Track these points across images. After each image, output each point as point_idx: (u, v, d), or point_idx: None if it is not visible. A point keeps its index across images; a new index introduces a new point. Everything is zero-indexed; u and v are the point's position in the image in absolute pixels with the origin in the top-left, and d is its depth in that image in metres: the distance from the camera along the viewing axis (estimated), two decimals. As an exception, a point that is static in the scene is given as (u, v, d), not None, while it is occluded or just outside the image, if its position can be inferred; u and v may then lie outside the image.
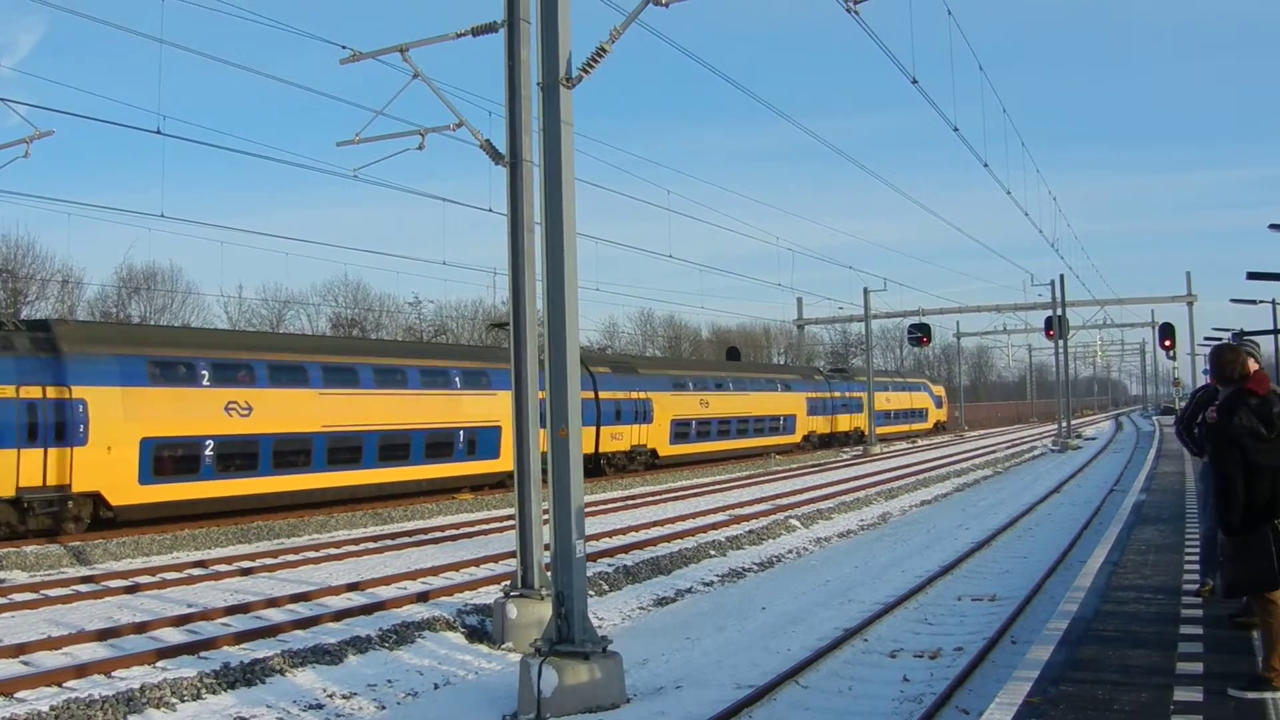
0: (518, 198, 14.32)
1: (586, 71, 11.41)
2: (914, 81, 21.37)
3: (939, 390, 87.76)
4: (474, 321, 76.69)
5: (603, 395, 40.57)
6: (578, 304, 11.63)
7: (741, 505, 31.03)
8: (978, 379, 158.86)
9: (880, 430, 65.65)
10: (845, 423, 65.67)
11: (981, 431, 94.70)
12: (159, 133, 20.99)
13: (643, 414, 43.19)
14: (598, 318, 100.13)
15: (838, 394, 64.90)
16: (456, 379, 34.03)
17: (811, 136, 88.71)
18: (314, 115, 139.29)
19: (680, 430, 46.34)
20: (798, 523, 26.46)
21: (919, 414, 79.05)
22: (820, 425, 61.85)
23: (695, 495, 35.01)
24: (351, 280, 73.38)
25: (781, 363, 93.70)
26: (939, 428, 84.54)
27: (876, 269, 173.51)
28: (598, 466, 40.71)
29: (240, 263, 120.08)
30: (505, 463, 33.78)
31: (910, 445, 69.79)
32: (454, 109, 16.68)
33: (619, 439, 42.09)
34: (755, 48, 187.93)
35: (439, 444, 32.98)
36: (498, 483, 35.39)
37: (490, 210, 23.54)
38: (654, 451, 44.54)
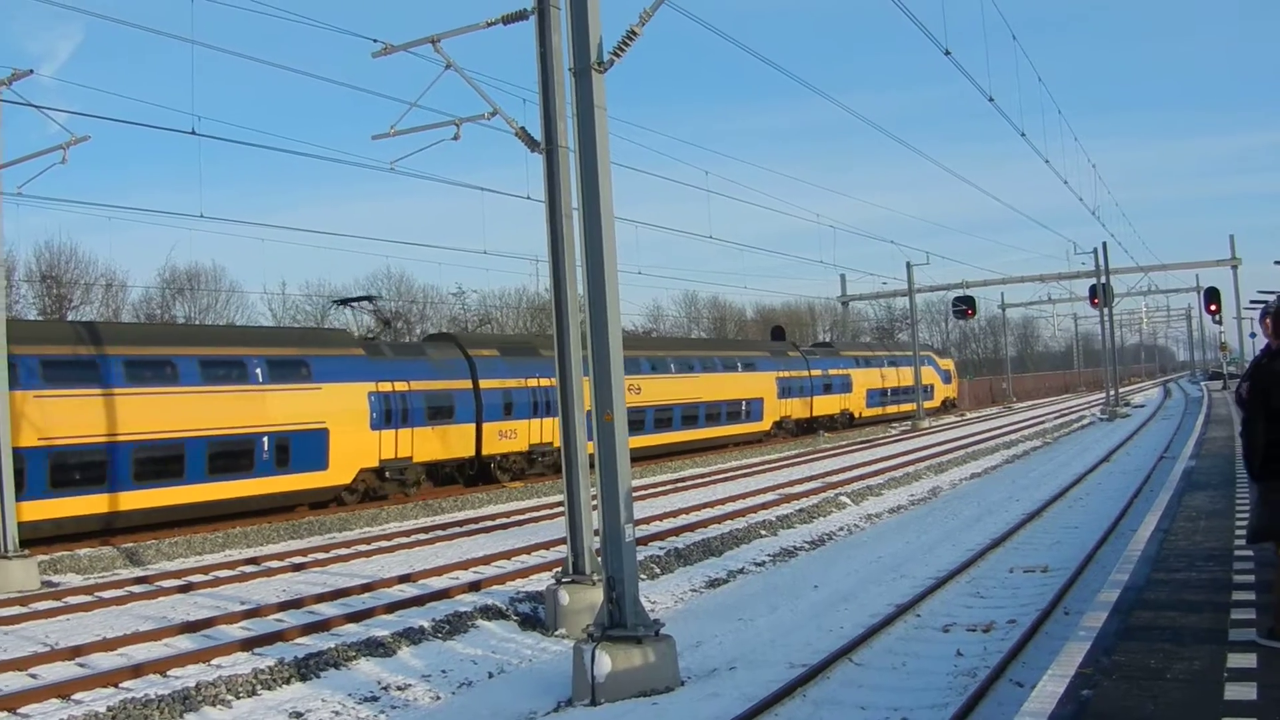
0: (555, 184, 14.35)
1: (618, 55, 11.43)
2: (947, 53, 21.21)
3: (946, 364, 79.63)
4: (518, 310, 76.88)
5: (485, 384, 33.58)
6: (618, 288, 11.65)
7: (791, 484, 31.03)
8: (1024, 350, 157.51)
9: (869, 412, 62.45)
10: (829, 405, 58.08)
11: (1030, 402, 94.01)
12: (194, 133, 21.07)
13: (544, 405, 34.74)
14: (641, 301, 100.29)
15: (818, 372, 56.81)
16: (258, 370, 27.24)
17: (847, 112, 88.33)
18: (348, 110, 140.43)
19: None
20: (848, 500, 26.43)
21: (923, 391, 70.11)
22: (796, 409, 53.86)
23: (745, 475, 35.06)
24: (394, 273, 73.54)
25: (823, 339, 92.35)
26: (947, 405, 76.35)
27: (918, 243, 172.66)
28: (483, 471, 34.43)
29: (282, 260, 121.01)
30: (337, 474, 28.77)
31: (959, 418, 69.19)
32: (487, 98, 16.75)
33: (511, 436, 34.51)
34: (787, 25, 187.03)
35: (229, 454, 26.19)
36: (333, 498, 29.30)
37: (528, 198, 23.46)
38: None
